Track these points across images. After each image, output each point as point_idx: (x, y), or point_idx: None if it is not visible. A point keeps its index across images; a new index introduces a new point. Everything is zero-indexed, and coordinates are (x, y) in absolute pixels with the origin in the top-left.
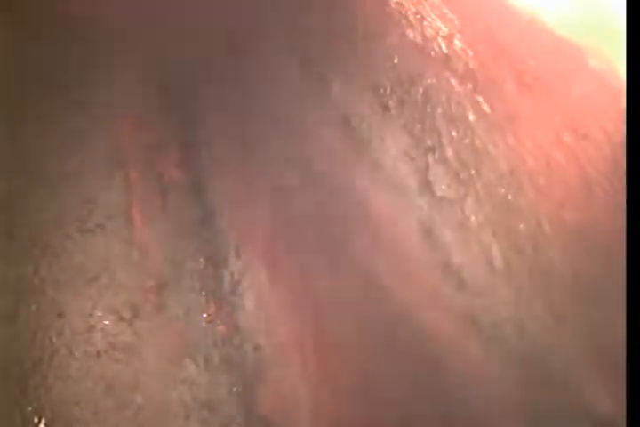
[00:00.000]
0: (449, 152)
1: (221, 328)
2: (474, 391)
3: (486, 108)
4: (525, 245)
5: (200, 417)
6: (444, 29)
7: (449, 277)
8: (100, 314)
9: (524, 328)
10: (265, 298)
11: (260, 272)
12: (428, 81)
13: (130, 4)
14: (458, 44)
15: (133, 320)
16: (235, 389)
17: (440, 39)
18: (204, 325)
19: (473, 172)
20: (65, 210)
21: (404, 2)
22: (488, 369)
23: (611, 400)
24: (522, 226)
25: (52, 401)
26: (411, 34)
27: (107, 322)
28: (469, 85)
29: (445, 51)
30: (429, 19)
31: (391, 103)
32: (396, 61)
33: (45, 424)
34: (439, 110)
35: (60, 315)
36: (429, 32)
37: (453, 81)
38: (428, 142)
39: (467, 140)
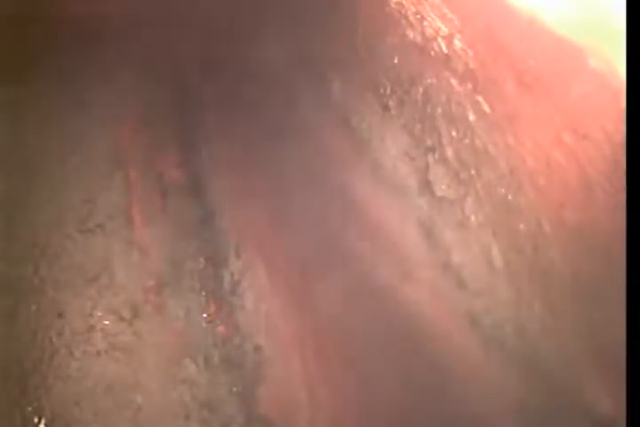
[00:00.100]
0: (449, 152)
1: (221, 328)
2: (474, 391)
3: (486, 108)
4: (525, 245)
5: (200, 417)
6: (444, 29)
7: (449, 277)
8: (100, 314)
9: (524, 328)
10: (265, 298)
11: (260, 272)
12: (428, 81)
13: (130, 3)
14: (458, 44)
15: (133, 320)
16: (235, 389)
17: (440, 39)
18: (204, 325)
19: (473, 172)
20: (65, 210)
21: (403, 2)
22: (488, 369)
23: (611, 400)
24: (522, 226)
25: (52, 401)
26: (411, 34)
27: (107, 322)
28: (469, 85)
29: (445, 51)
30: (429, 19)
31: (391, 103)
32: (395, 61)
33: (45, 424)
34: (439, 110)
35: (60, 315)
36: (429, 32)
37: (453, 81)
38: (428, 142)
39: (467, 140)
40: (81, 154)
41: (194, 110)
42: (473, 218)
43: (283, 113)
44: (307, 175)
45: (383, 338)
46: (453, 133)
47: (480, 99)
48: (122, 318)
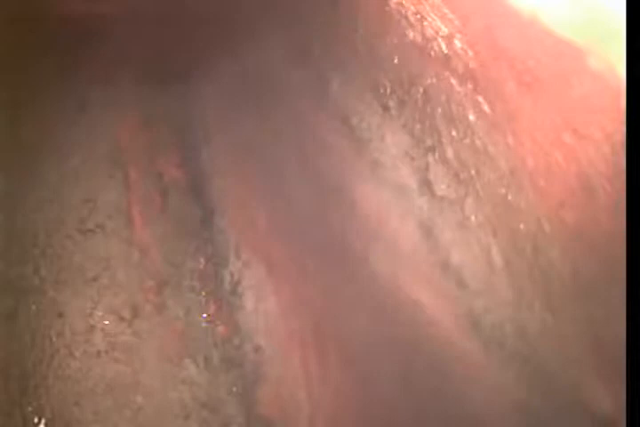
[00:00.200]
0: (449, 152)
1: (221, 328)
2: (473, 391)
3: (486, 108)
4: (525, 245)
5: (200, 417)
6: (444, 29)
7: (449, 277)
8: (100, 314)
9: (524, 328)
10: (265, 298)
11: (260, 272)
12: (428, 81)
13: (130, 3)
14: (458, 44)
15: (133, 320)
16: (235, 389)
17: (440, 39)
18: (203, 325)
19: (473, 172)
20: (65, 210)
21: (403, 2)
22: (488, 369)
23: (611, 400)
24: (522, 226)
25: (52, 401)
26: (411, 34)
27: (107, 322)
28: (469, 85)
29: (445, 51)
30: (429, 19)
31: (391, 103)
32: (395, 61)
33: (45, 424)
34: (439, 110)
35: (60, 315)
36: (429, 32)
37: (453, 81)
38: (428, 142)
39: (467, 140)
40: (81, 154)
41: (194, 110)
42: (473, 218)
43: (282, 113)
44: (307, 175)
45: (383, 338)
46: (453, 133)
47: (480, 99)
48: (122, 318)
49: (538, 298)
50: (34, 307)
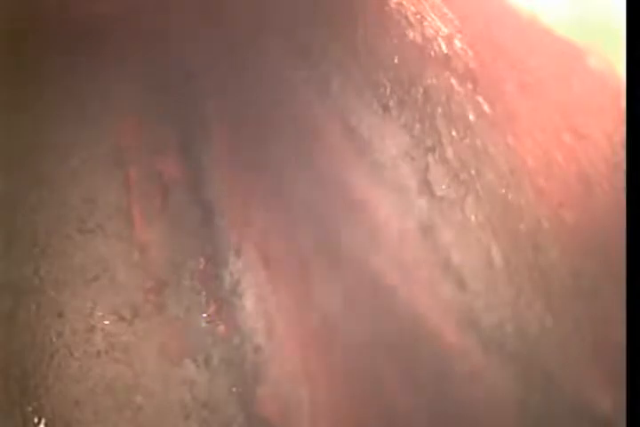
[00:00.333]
0: (449, 152)
1: (221, 328)
2: (473, 391)
3: (486, 108)
4: (525, 244)
5: (200, 417)
6: (444, 29)
7: (449, 277)
8: (100, 314)
9: (524, 328)
10: (265, 298)
11: (260, 272)
12: (428, 81)
13: (130, 3)
14: (458, 44)
15: (133, 320)
16: (235, 389)
17: (440, 39)
18: (203, 325)
19: (473, 172)
20: (65, 210)
21: (404, 2)
22: (487, 369)
23: (611, 400)
24: (522, 226)
25: (52, 401)
26: (411, 34)
27: (107, 322)
28: (469, 85)
29: (445, 51)
30: (429, 19)
31: (391, 103)
32: (396, 61)
33: (45, 424)
34: (439, 110)
35: (60, 315)
36: (429, 32)
37: (453, 81)
38: (428, 142)
39: (467, 140)
40: (81, 154)
41: (194, 110)
42: (473, 218)
43: (282, 113)
44: (306, 175)
45: (383, 338)
46: (453, 133)
47: (480, 99)
48: (122, 318)
49: (538, 298)
50: (34, 307)
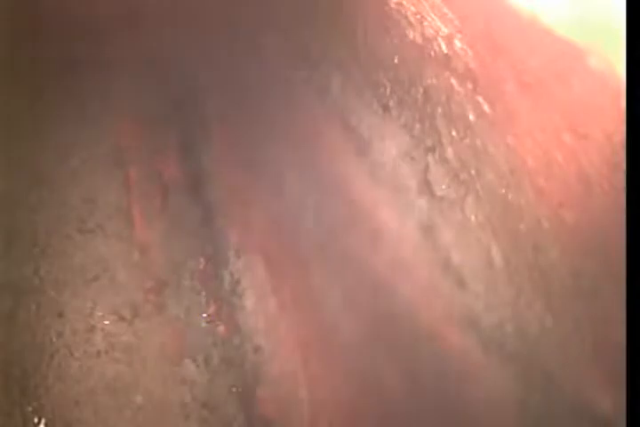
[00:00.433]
0: (449, 152)
1: (221, 328)
2: (473, 391)
3: (486, 108)
4: (525, 244)
5: (200, 417)
6: (444, 29)
7: (449, 277)
8: (100, 314)
9: (524, 328)
10: (265, 298)
11: (260, 272)
12: (428, 81)
13: (130, 3)
14: (458, 44)
15: (133, 320)
16: (235, 389)
17: (440, 39)
18: (203, 325)
19: (473, 172)
20: (65, 210)
21: (404, 2)
22: (487, 369)
23: (611, 400)
24: (522, 226)
25: (52, 401)
26: (411, 34)
27: (107, 322)
28: (469, 85)
29: (445, 51)
30: (429, 19)
31: (391, 103)
32: (396, 61)
33: (45, 424)
34: (439, 110)
35: (60, 315)
36: (429, 32)
37: (453, 81)
38: (428, 142)
39: (467, 140)
40: (81, 154)
41: (194, 110)
42: (473, 218)
43: (282, 113)
44: (306, 175)
45: (383, 338)
46: (453, 133)
47: (480, 99)
48: (122, 318)
49: (538, 298)
50: (34, 307)
